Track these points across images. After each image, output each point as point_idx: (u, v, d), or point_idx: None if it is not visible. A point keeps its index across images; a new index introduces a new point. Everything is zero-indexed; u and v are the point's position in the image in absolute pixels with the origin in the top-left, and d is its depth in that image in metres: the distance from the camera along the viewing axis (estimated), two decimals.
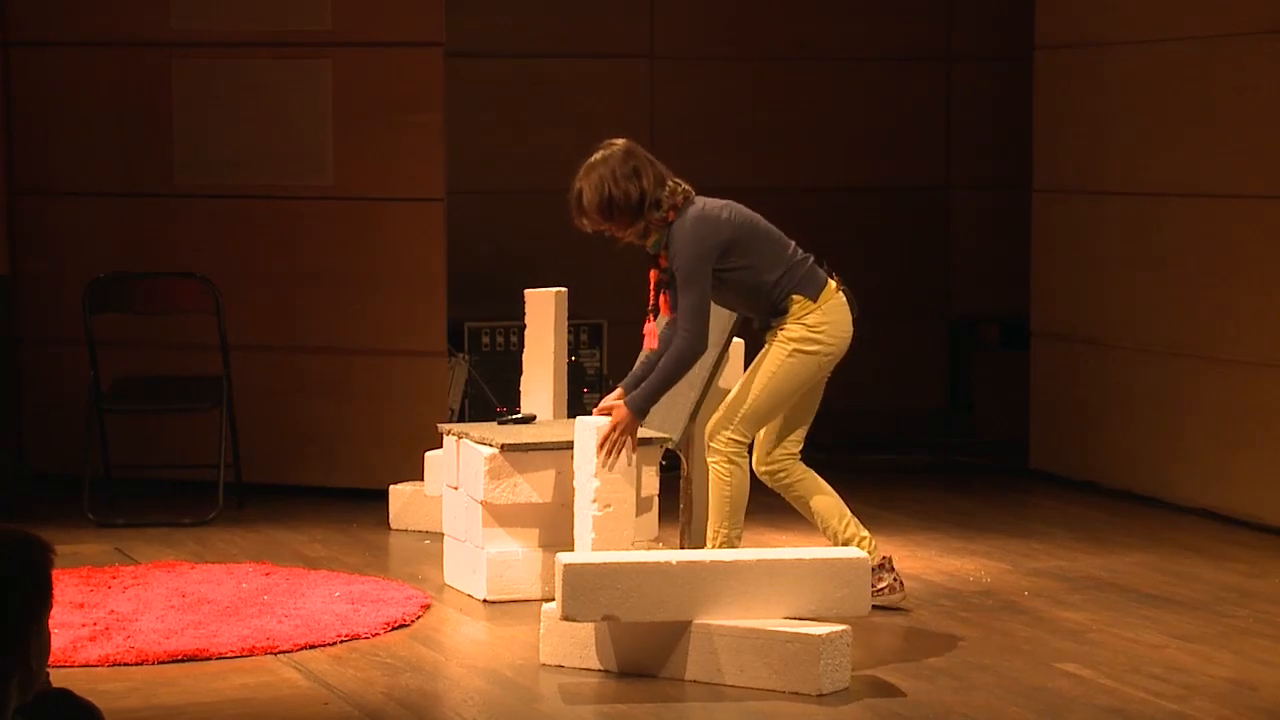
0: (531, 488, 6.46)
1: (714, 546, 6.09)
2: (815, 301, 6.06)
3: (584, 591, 5.41)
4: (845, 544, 6.15)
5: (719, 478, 6.10)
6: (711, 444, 6.11)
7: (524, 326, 7.32)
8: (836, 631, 5.40)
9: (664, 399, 6.28)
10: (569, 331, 7.44)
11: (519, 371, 7.33)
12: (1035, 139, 8.95)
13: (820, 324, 6.06)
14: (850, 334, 6.14)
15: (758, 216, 6.13)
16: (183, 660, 5.68)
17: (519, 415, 6.93)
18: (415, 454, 7.56)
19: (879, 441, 9.49)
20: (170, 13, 8.31)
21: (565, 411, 7.25)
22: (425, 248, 8.11)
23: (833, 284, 6.12)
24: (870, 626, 6.06)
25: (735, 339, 6.76)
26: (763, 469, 6.24)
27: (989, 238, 10.00)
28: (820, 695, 5.28)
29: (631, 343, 6.85)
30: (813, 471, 6.25)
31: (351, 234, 8.20)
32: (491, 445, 6.48)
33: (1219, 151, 7.87)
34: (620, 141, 6.09)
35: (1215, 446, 7.90)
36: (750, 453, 6.18)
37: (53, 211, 8.52)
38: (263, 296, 8.27)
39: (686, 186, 6.04)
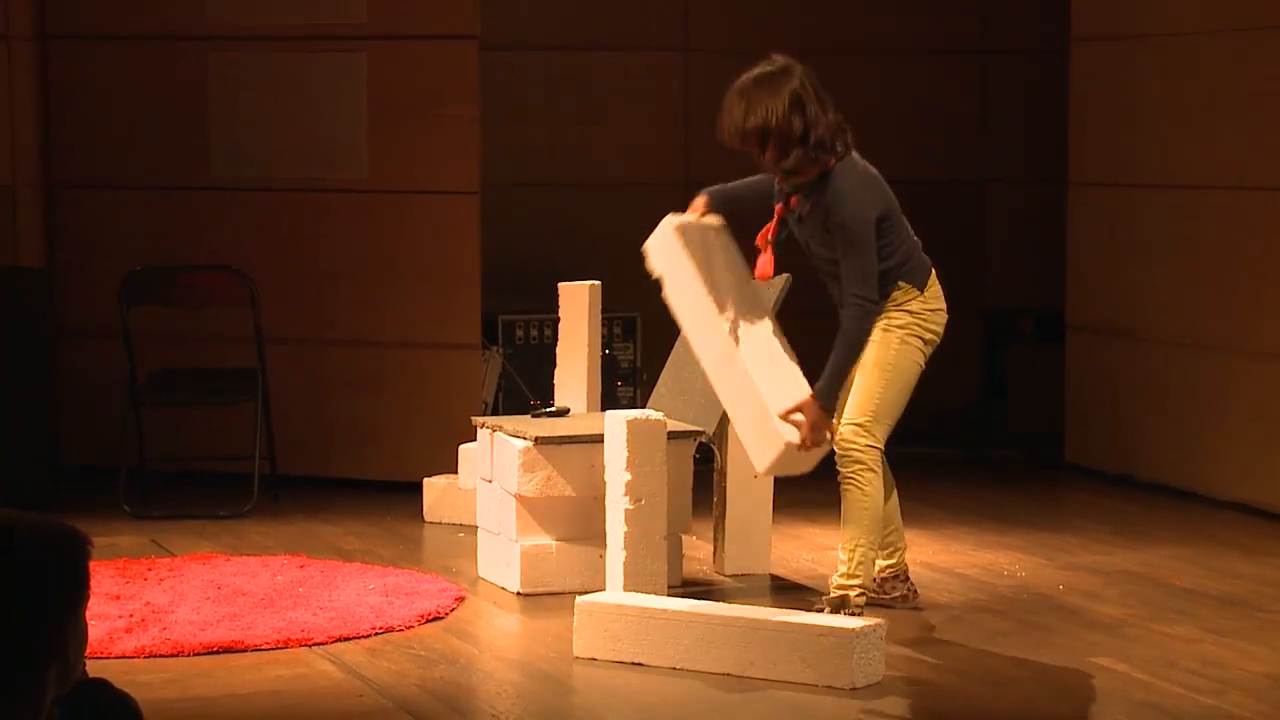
0: (565, 481, 6.47)
1: (852, 561, 5.76)
2: (921, 292, 5.82)
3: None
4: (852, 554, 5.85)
5: (858, 488, 5.74)
6: (851, 453, 5.73)
7: (558, 320, 7.32)
8: (870, 625, 5.39)
9: (696, 390, 6.27)
10: (603, 325, 7.43)
11: (553, 365, 7.33)
12: (1071, 132, 8.92)
13: (923, 310, 5.81)
14: (943, 326, 5.90)
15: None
16: (218, 652, 5.70)
17: (552, 408, 6.94)
18: (449, 447, 7.57)
19: (913, 435, 9.45)
20: (206, 6, 8.33)
21: (599, 405, 7.24)
22: (460, 241, 8.12)
23: (933, 271, 5.90)
24: (904, 621, 6.05)
25: None
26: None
27: (1024, 231, 9.97)
28: (854, 689, 5.28)
29: (666, 335, 6.85)
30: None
31: (386, 227, 8.21)
32: (525, 438, 6.48)
33: (1255, 144, 7.83)
34: (782, 60, 5.66)
35: (1251, 440, 7.87)
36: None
37: (89, 204, 8.55)
38: (298, 289, 8.28)
39: (847, 130, 5.71)
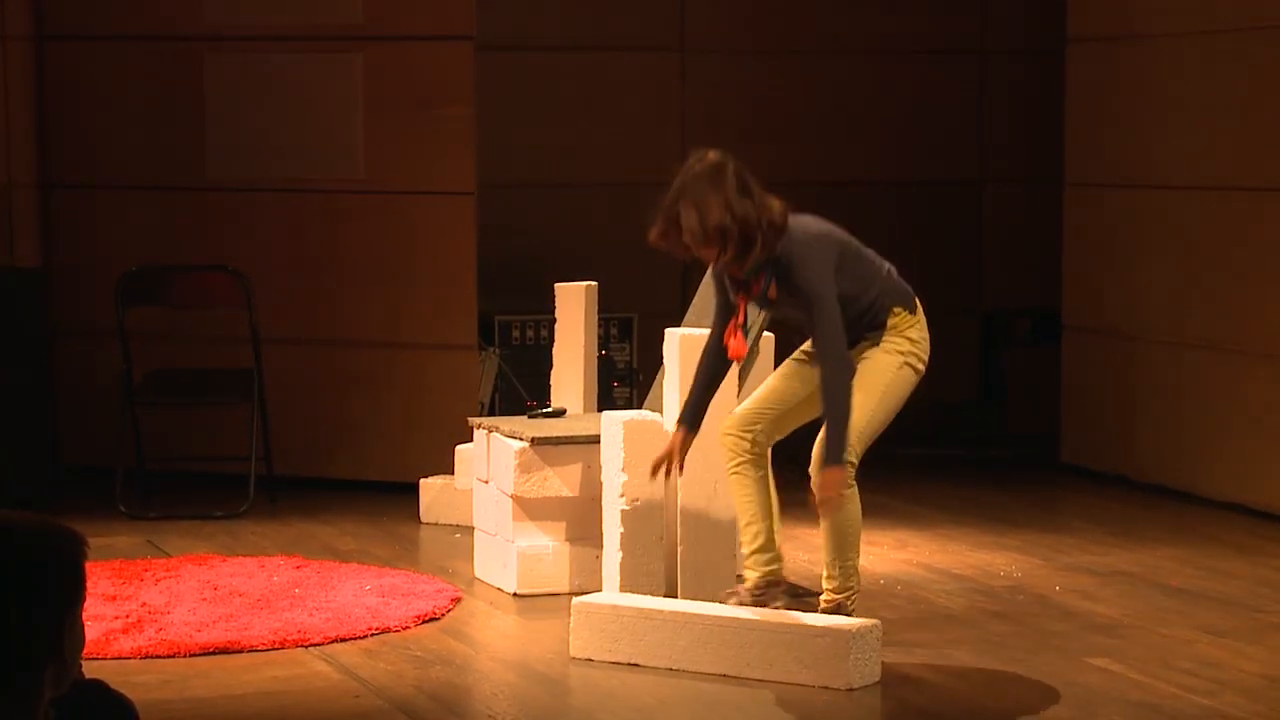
0: (561, 482, 6.47)
1: (841, 575, 5.65)
2: (914, 315, 5.64)
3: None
4: (752, 550, 5.75)
5: (841, 511, 5.56)
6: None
7: (554, 320, 7.32)
8: (867, 625, 5.39)
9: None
10: (599, 325, 7.43)
11: (549, 365, 7.33)
12: (1067, 133, 8.92)
13: (922, 340, 5.65)
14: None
15: (842, 230, 5.70)
16: (214, 653, 5.70)
17: (549, 409, 6.93)
18: (446, 447, 7.57)
19: (911, 435, 9.46)
20: (203, 6, 8.32)
21: (595, 405, 7.24)
22: (456, 241, 8.12)
23: (916, 297, 5.70)
24: (901, 621, 6.05)
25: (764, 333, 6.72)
26: (735, 435, 5.70)
27: (1021, 231, 9.97)
28: (850, 690, 5.28)
29: (663, 336, 6.84)
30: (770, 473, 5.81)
31: (382, 227, 8.21)
32: (522, 439, 6.48)
33: (1253, 144, 7.83)
34: (712, 155, 5.46)
35: (1248, 441, 7.87)
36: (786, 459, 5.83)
37: (85, 204, 8.54)
38: (294, 289, 8.28)
39: (781, 206, 5.49)
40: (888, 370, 5.58)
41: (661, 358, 6.38)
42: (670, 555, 6.25)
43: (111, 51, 8.46)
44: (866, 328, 5.59)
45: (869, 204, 9.77)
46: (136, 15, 8.42)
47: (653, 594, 6.12)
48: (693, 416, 5.67)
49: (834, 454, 5.40)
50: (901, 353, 5.60)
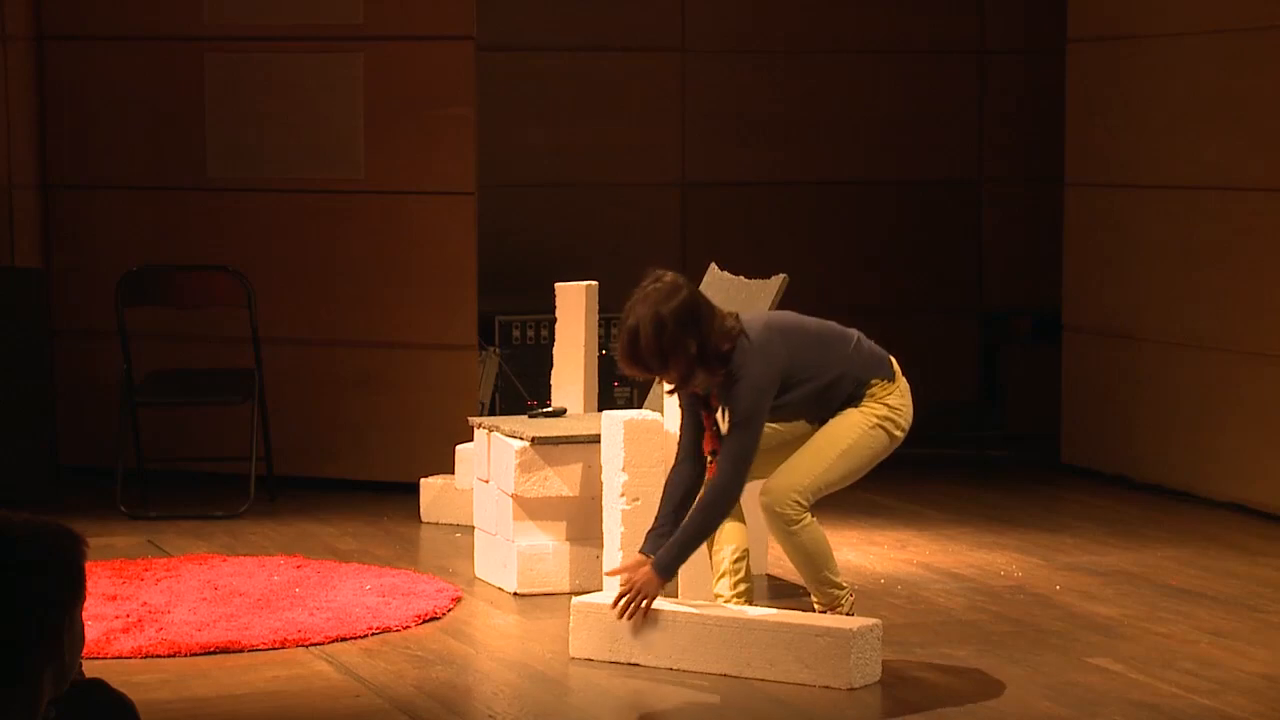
0: (562, 481, 6.47)
1: (822, 595, 5.62)
2: (893, 382, 5.61)
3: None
4: (721, 574, 5.72)
5: (792, 542, 5.53)
6: (775, 509, 5.52)
7: (555, 320, 7.32)
8: (867, 625, 5.39)
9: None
10: (599, 325, 7.43)
11: (549, 365, 7.33)
12: (1067, 132, 8.92)
13: (902, 406, 5.62)
14: (912, 421, 5.69)
15: (805, 319, 5.60)
16: (214, 652, 5.70)
17: (549, 409, 6.94)
18: (446, 447, 7.57)
19: (911, 435, 9.46)
20: (203, 7, 8.33)
21: (595, 405, 7.24)
22: (456, 241, 8.12)
23: (894, 361, 5.67)
24: (901, 621, 6.05)
25: None
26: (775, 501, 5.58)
27: (1021, 231, 9.97)
28: (851, 689, 5.28)
29: None
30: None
31: (383, 227, 8.21)
32: (522, 439, 6.48)
33: (1252, 144, 7.83)
34: (669, 277, 5.41)
35: (1249, 441, 7.87)
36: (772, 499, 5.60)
37: (85, 205, 8.54)
38: (294, 290, 8.28)
39: (733, 322, 5.42)
40: (857, 428, 5.55)
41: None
42: None
43: (111, 51, 8.46)
44: (844, 402, 5.57)
45: (869, 204, 9.78)
46: (136, 15, 8.42)
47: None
48: (656, 544, 5.48)
49: (662, 561, 5.42)
50: (877, 416, 5.57)
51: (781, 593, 6.44)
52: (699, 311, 5.35)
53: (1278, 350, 7.72)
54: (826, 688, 5.30)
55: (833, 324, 5.67)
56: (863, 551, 7.07)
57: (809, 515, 5.55)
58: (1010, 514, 7.85)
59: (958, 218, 9.97)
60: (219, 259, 8.11)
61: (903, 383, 5.67)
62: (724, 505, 5.45)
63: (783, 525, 5.53)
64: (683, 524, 5.45)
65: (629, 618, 5.49)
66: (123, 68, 8.45)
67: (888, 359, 5.67)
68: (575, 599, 5.73)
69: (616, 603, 5.49)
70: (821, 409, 5.60)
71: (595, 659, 5.60)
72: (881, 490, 8.19)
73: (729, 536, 5.70)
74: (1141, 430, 8.48)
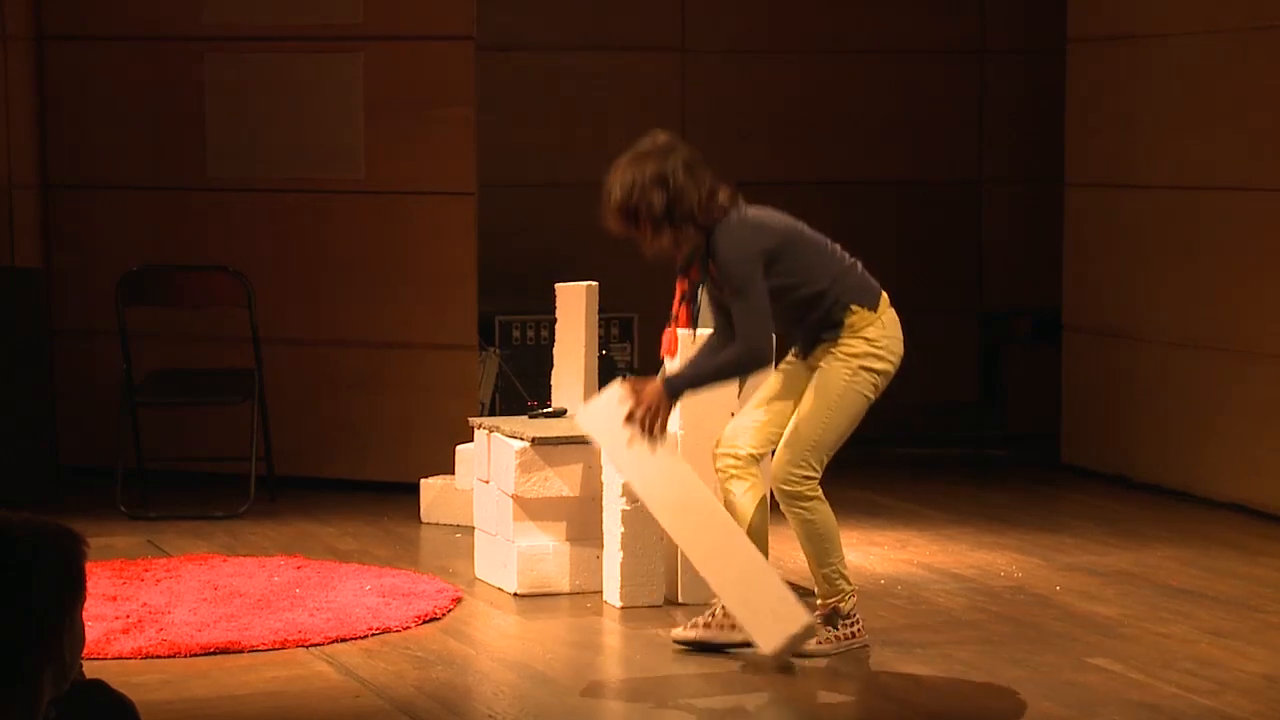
0: (562, 481, 6.47)
1: (829, 581, 5.61)
2: (875, 312, 5.53)
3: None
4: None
5: (804, 517, 5.52)
6: (784, 487, 5.50)
7: (555, 320, 7.31)
8: (811, 627, 5.43)
9: None
10: (600, 325, 7.43)
11: (550, 365, 7.33)
12: (1068, 132, 8.92)
13: (881, 338, 5.52)
14: (900, 359, 5.61)
15: (800, 223, 5.60)
16: (215, 653, 5.70)
17: (549, 409, 6.93)
18: (446, 447, 7.57)
19: (910, 435, 9.48)
20: (203, 7, 8.32)
21: None
22: (456, 241, 8.12)
23: (886, 296, 5.60)
24: (900, 621, 6.05)
25: None
26: (721, 452, 5.64)
27: (1021, 231, 9.97)
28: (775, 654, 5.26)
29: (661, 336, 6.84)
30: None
31: (383, 227, 8.21)
32: (522, 439, 6.48)
33: (1252, 144, 7.83)
34: (662, 138, 5.52)
35: (1248, 440, 7.87)
36: (775, 471, 5.60)
37: (86, 205, 8.54)
38: (294, 290, 8.28)
39: (728, 195, 5.47)
40: (838, 382, 5.49)
41: (662, 358, 6.38)
42: (670, 555, 6.25)
43: (111, 51, 8.46)
44: (822, 326, 5.52)
45: (869, 204, 9.78)
46: (136, 15, 8.42)
47: (652, 594, 6.14)
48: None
49: (672, 381, 5.43)
50: (855, 357, 5.49)
51: None
52: (676, 172, 5.39)
53: (1277, 350, 7.72)
54: (826, 687, 5.29)
55: (835, 245, 5.64)
56: (863, 551, 7.07)
57: (819, 491, 5.52)
58: (1010, 514, 7.85)
59: (958, 218, 9.97)
60: (219, 259, 8.11)
61: (889, 315, 5.58)
62: (747, 358, 5.39)
63: (794, 503, 5.50)
64: (704, 358, 5.47)
65: (645, 434, 5.39)
66: (123, 68, 8.45)
67: (876, 290, 5.59)
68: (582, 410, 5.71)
69: (629, 420, 5.40)
70: (805, 328, 5.55)
71: (595, 439, 5.62)
72: (881, 490, 8.20)
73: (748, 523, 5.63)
74: (1141, 430, 8.48)
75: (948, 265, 9.93)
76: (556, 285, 7.35)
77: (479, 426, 6.82)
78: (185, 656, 5.67)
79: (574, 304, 7.22)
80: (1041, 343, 9.60)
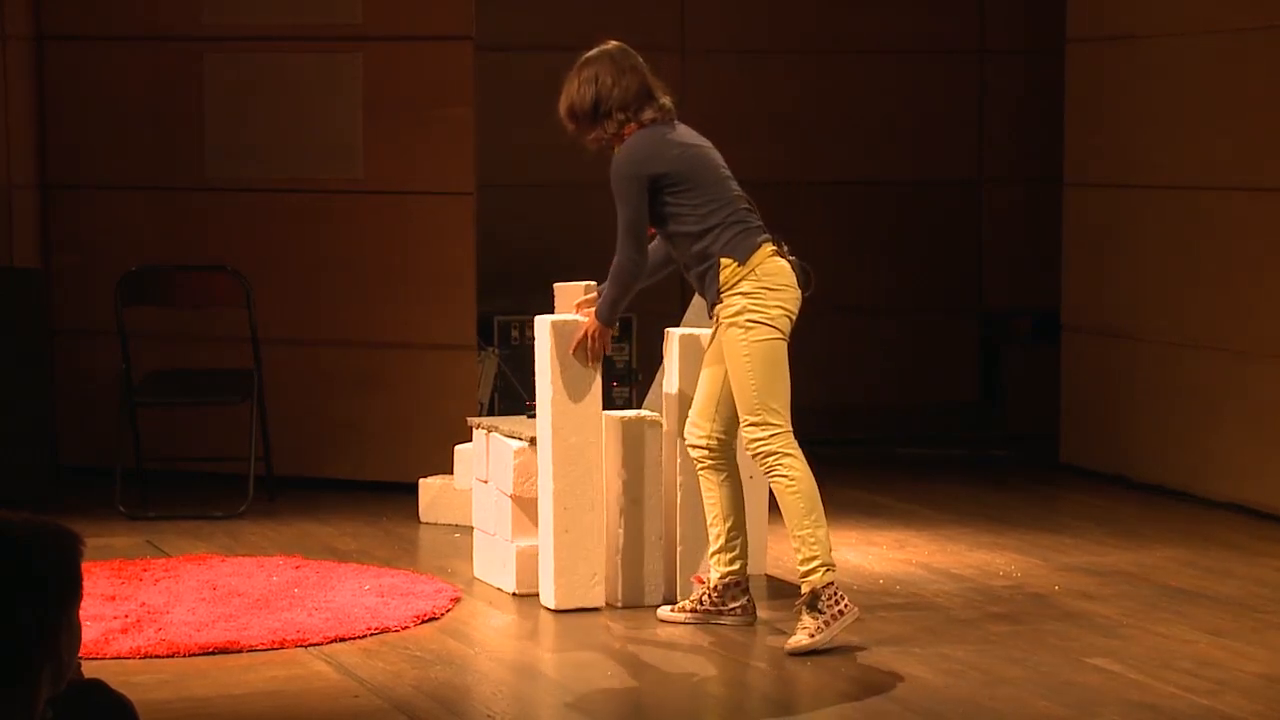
0: None
1: (804, 545, 5.66)
2: (743, 265, 5.67)
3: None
4: (714, 550, 5.92)
5: (783, 477, 5.63)
6: (759, 449, 5.64)
7: None
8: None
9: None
10: None
11: None
12: (1067, 132, 8.92)
13: (757, 290, 5.65)
14: (795, 304, 5.71)
15: (715, 163, 5.86)
16: (213, 653, 5.70)
17: None
18: (445, 448, 7.57)
19: (910, 435, 9.48)
20: (202, 7, 8.33)
21: None
22: (455, 241, 8.12)
23: (769, 248, 5.70)
24: (899, 621, 6.05)
25: None
26: (690, 445, 5.89)
27: (1021, 231, 9.97)
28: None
29: (661, 336, 6.84)
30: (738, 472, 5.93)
31: (382, 227, 8.21)
32: (521, 439, 6.48)
33: (1251, 144, 7.83)
34: (611, 45, 6.06)
35: (1248, 441, 7.87)
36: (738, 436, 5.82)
37: (85, 205, 8.54)
38: (293, 290, 8.28)
39: (656, 110, 5.92)
40: (738, 346, 5.68)
41: (661, 358, 6.39)
42: (669, 555, 6.25)
43: (111, 51, 8.45)
44: (704, 283, 5.76)
45: (869, 204, 9.78)
46: (136, 15, 8.42)
47: (651, 594, 6.14)
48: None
49: (599, 309, 6.00)
50: (739, 315, 5.69)
51: (782, 593, 6.44)
52: (604, 73, 5.96)
53: (1277, 350, 7.72)
54: (827, 687, 5.30)
55: (738, 195, 5.84)
56: (862, 551, 7.07)
57: (794, 448, 5.64)
58: (1009, 514, 7.85)
59: (958, 218, 9.97)
60: (218, 259, 8.11)
61: (766, 265, 5.71)
62: (619, 270, 5.91)
63: (770, 462, 5.66)
64: (605, 287, 6.00)
65: (591, 358, 6.02)
66: (123, 68, 8.45)
67: (754, 243, 5.72)
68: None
69: (575, 349, 6.01)
70: (697, 284, 5.83)
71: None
72: (881, 490, 8.20)
73: (726, 510, 5.87)
74: (1141, 430, 8.48)
75: (948, 265, 9.93)
76: (555, 285, 7.34)
77: (478, 426, 6.82)
78: (184, 656, 5.67)
79: (573, 303, 7.21)
80: (1041, 343, 9.60)
